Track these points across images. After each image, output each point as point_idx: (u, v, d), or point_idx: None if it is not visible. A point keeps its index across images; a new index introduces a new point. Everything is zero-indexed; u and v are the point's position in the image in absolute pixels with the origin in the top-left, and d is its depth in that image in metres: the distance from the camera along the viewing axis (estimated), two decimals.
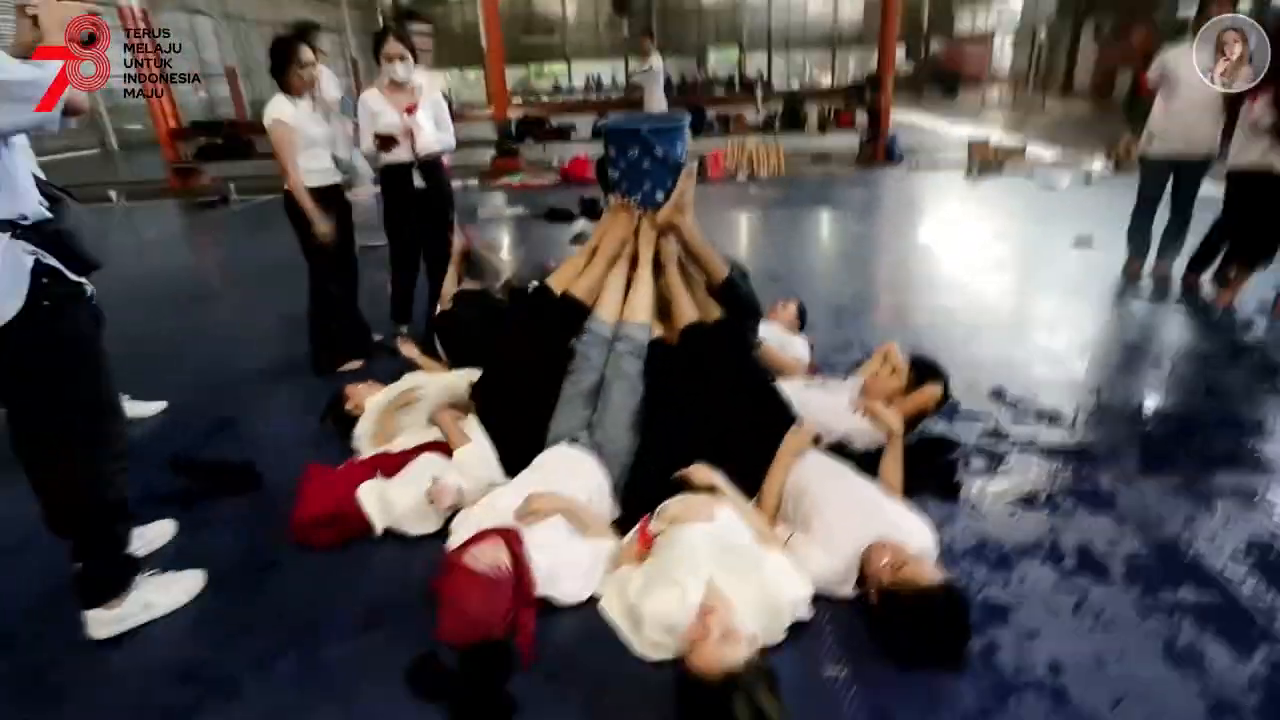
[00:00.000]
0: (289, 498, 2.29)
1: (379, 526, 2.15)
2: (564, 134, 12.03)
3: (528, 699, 1.56)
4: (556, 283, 2.51)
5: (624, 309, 2.46)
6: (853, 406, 2.29)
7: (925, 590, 1.59)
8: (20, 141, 1.65)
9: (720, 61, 30.31)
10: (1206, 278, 4.10)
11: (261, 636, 1.80)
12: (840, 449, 2.37)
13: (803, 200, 7.54)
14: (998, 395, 2.93)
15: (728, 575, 1.68)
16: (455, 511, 2.09)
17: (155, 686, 1.68)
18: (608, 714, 1.55)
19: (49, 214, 1.61)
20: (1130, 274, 4.44)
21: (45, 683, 1.71)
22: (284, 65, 3.10)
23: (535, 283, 2.64)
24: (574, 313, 2.43)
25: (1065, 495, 2.26)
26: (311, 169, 3.21)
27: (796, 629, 1.71)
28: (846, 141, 10.72)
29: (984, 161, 8.92)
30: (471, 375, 2.64)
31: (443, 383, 2.78)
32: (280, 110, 3.10)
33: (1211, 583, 1.86)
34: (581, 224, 6.55)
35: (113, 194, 9.93)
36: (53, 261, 1.60)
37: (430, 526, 2.15)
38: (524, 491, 2.00)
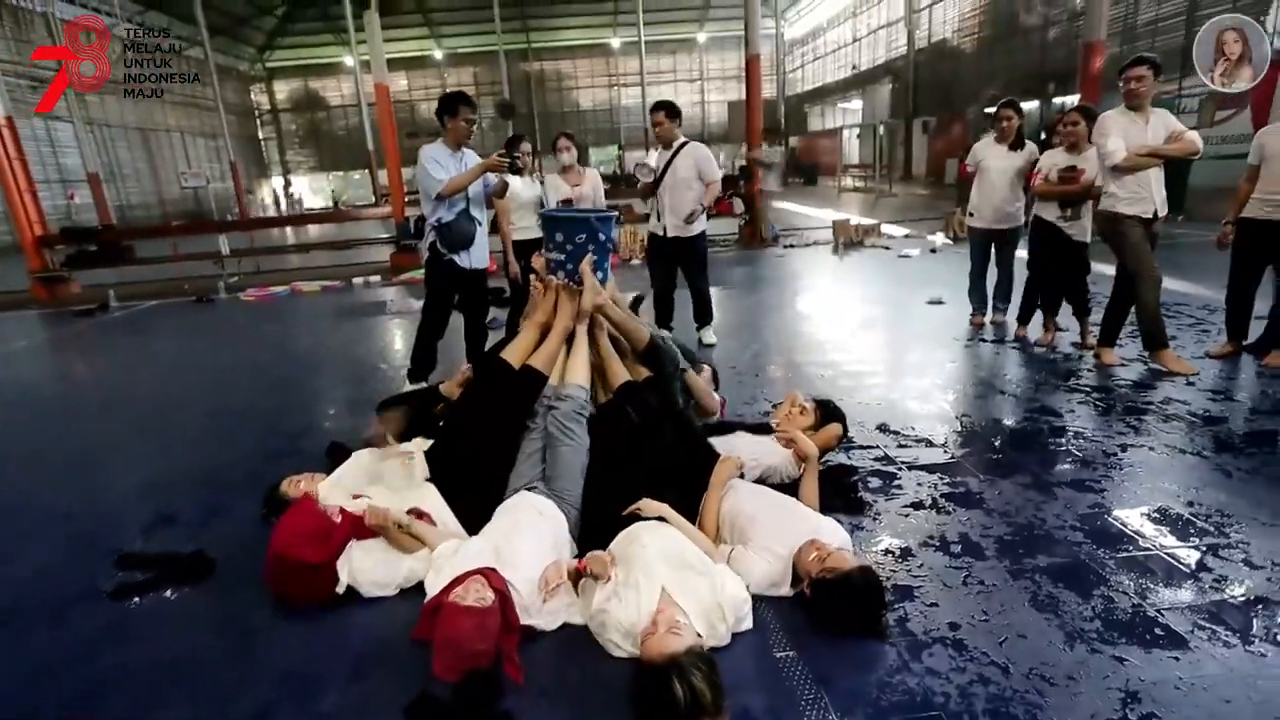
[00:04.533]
0: (247, 579, 2.34)
1: (343, 585, 2.24)
2: None
3: (524, 713, 1.74)
4: (512, 357, 2.78)
5: (564, 373, 2.77)
6: (777, 440, 2.68)
7: (847, 573, 1.95)
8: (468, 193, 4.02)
9: (601, 160, 32.26)
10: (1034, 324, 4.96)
11: (257, 695, 1.86)
12: (761, 483, 2.75)
13: None
14: (883, 429, 3.45)
15: (680, 585, 1.96)
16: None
17: None
18: (596, 714, 1.76)
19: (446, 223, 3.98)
20: (974, 325, 5.28)
21: None
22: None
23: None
24: (535, 382, 2.72)
25: (945, 499, 2.73)
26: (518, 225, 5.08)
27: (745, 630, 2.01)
28: (726, 226, 11.77)
29: (847, 238, 10.13)
30: (424, 443, 2.82)
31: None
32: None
33: (1059, 549, 2.34)
34: (493, 311, 6.82)
35: None
36: (438, 241, 4.01)
37: (388, 591, 2.27)
38: (494, 538, 2.21)
